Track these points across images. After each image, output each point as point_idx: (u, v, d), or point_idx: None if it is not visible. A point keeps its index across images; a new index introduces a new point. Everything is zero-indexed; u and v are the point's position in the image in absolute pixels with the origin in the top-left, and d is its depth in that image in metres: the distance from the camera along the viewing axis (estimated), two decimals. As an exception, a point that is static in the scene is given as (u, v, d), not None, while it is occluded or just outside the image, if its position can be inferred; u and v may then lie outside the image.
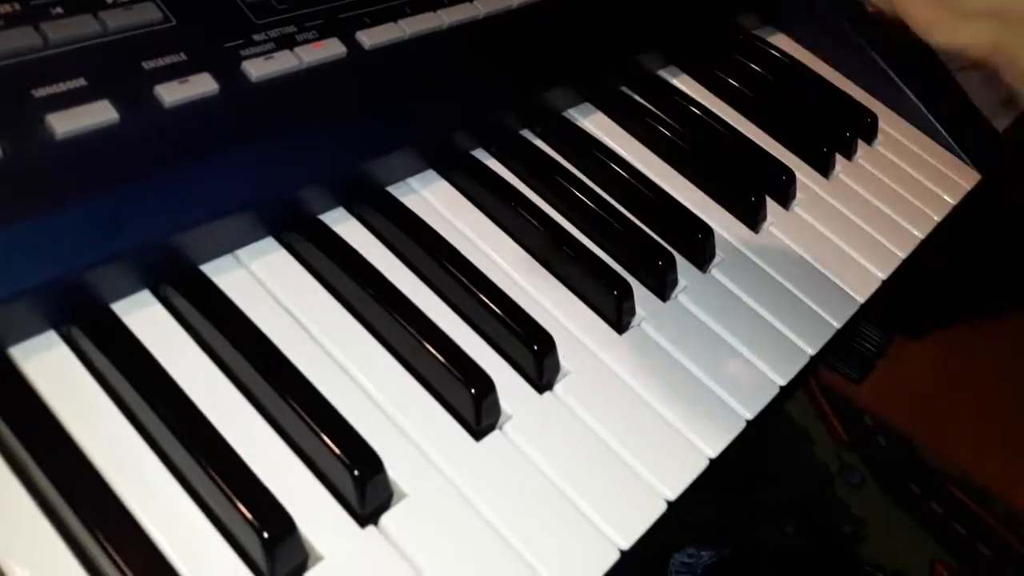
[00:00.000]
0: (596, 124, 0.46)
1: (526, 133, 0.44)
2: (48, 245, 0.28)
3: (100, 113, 0.30)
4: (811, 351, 0.40)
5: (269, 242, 0.34)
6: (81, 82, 0.30)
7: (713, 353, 0.38)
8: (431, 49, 0.38)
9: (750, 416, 0.37)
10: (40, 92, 0.30)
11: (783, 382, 0.38)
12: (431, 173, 0.40)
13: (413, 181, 0.39)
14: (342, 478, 0.28)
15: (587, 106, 0.46)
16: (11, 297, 0.27)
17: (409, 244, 0.36)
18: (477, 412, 0.31)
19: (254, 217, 0.33)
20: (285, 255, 0.34)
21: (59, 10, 0.31)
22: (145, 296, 0.31)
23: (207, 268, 0.32)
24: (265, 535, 0.25)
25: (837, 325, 0.42)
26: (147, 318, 0.30)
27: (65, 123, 0.29)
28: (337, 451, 0.28)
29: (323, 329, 0.33)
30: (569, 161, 0.43)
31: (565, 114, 0.46)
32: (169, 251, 0.31)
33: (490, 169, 0.41)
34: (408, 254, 0.36)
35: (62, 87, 0.30)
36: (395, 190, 0.38)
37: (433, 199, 0.39)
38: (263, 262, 0.33)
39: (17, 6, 0.31)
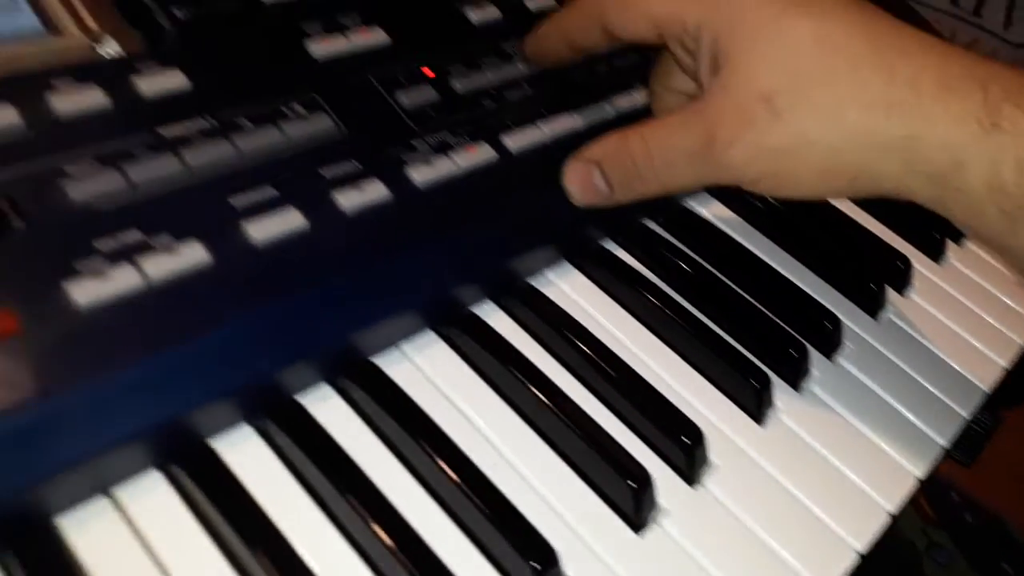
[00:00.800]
0: (715, 213, 0.48)
1: (649, 223, 0.45)
2: (250, 346, 0.30)
3: (291, 220, 0.32)
4: (943, 442, 0.41)
5: (429, 335, 0.36)
6: (271, 191, 0.33)
7: (849, 444, 0.39)
8: (570, 149, 0.41)
9: (893, 509, 0.37)
10: (237, 201, 0.32)
11: (920, 474, 0.39)
12: (566, 265, 0.42)
13: (550, 273, 0.41)
14: (519, 570, 0.29)
15: (705, 196, 0.48)
16: (219, 396, 0.29)
17: (554, 335, 0.38)
18: (637, 506, 0.32)
19: (418, 313, 0.35)
20: (444, 347, 0.36)
21: (247, 124, 0.34)
22: (326, 389, 0.33)
23: (378, 360, 0.34)
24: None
25: (966, 415, 0.43)
26: (329, 408, 0.32)
27: (262, 230, 0.32)
28: (514, 544, 0.29)
29: (483, 418, 0.34)
30: (693, 250, 0.45)
31: (684, 204, 0.47)
32: (348, 347, 0.33)
33: (620, 259, 0.42)
34: (553, 344, 0.38)
35: (256, 196, 0.33)
36: (535, 282, 0.40)
37: (570, 290, 0.41)
38: (426, 355, 0.35)
39: (213, 122, 0.34)
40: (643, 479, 0.33)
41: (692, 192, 0.47)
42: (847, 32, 0.34)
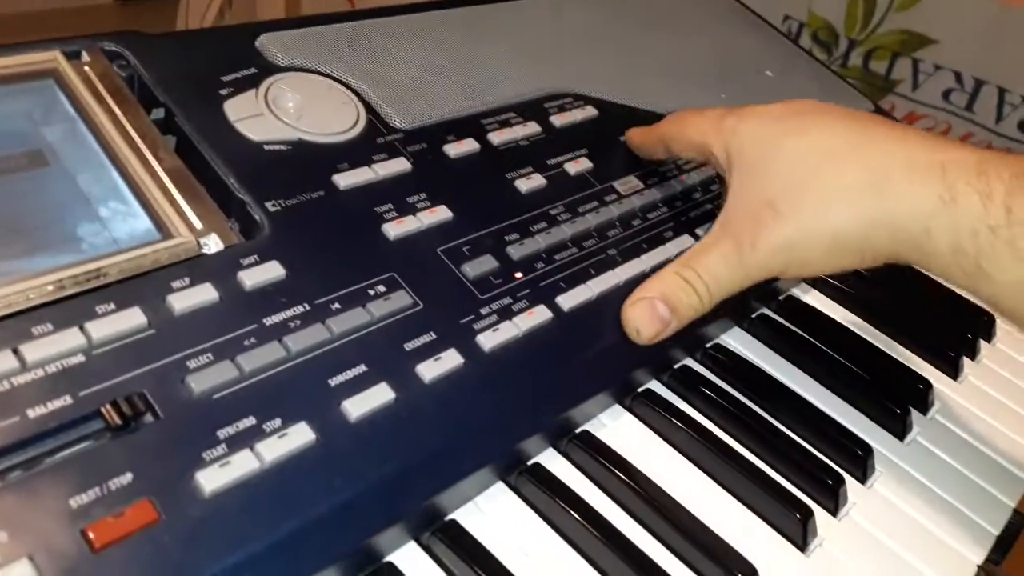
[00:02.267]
0: (746, 346, 0.52)
1: (688, 361, 0.49)
2: (352, 514, 0.34)
3: (382, 395, 0.36)
4: (976, 559, 0.44)
5: (499, 486, 0.40)
6: (362, 368, 0.37)
7: (890, 567, 0.42)
8: (614, 302, 0.45)
9: (938, 630, 0.40)
10: (334, 381, 0.36)
11: (960, 598, 0.42)
12: (617, 408, 0.45)
13: (604, 417, 0.45)
14: None
15: (738, 331, 0.52)
16: (328, 563, 0.33)
17: (610, 478, 0.41)
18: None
19: (490, 468, 0.39)
20: (514, 497, 0.40)
21: (337, 306, 0.39)
22: (413, 546, 0.36)
23: (456, 515, 0.38)
24: None
25: (994, 531, 0.46)
26: (417, 564, 0.36)
27: (358, 407, 0.36)
28: None
29: (553, 563, 0.38)
30: (729, 383, 0.49)
31: (719, 341, 0.51)
32: (431, 506, 0.37)
33: (664, 399, 0.46)
34: (609, 487, 0.41)
35: (349, 374, 0.37)
36: (591, 426, 0.44)
37: (623, 432, 0.44)
38: (498, 506, 0.39)
39: (306, 307, 0.38)
40: None
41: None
42: (831, 137, 0.42)
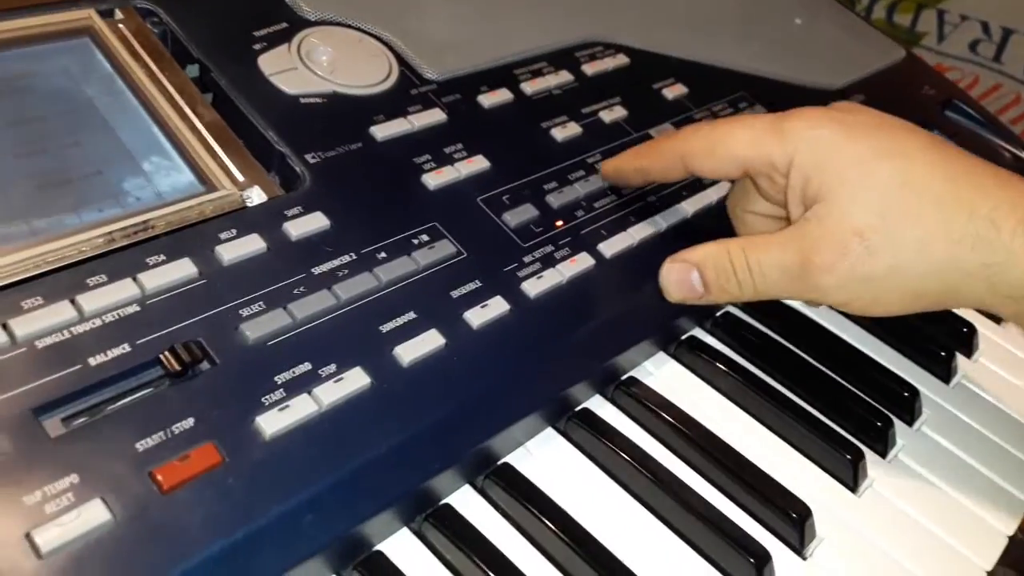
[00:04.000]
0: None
1: (733, 309, 0.49)
2: (408, 457, 0.34)
3: (432, 341, 0.36)
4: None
5: (549, 432, 0.40)
6: (411, 315, 0.37)
7: (939, 507, 0.42)
8: (657, 250, 0.45)
9: (988, 567, 0.40)
10: (384, 327, 0.36)
11: (1008, 532, 0.42)
12: (662, 355, 0.45)
13: (648, 364, 0.45)
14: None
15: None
16: (385, 506, 0.33)
17: (659, 423, 0.41)
18: (761, 582, 0.35)
19: (540, 413, 0.39)
20: (563, 442, 0.40)
21: (383, 255, 0.39)
22: (467, 489, 0.37)
23: (509, 459, 0.38)
24: None
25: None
26: (472, 506, 0.36)
27: (410, 352, 0.36)
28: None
29: (605, 505, 0.38)
30: (775, 331, 0.48)
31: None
32: (484, 450, 0.37)
33: (711, 346, 0.46)
34: (658, 432, 0.41)
35: (399, 321, 0.37)
36: (637, 373, 0.44)
37: (669, 379, 0.44)
38: (548, 450, 0.39)
39: (353, 256, 0.38)
40: (764, 556, 0.36)
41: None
42: (930, 173, 0.38)
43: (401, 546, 0.34)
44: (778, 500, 0.39)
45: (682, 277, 0.42)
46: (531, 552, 0.35)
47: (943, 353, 0.49)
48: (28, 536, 0.27)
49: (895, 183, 0.38)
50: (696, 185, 0.50)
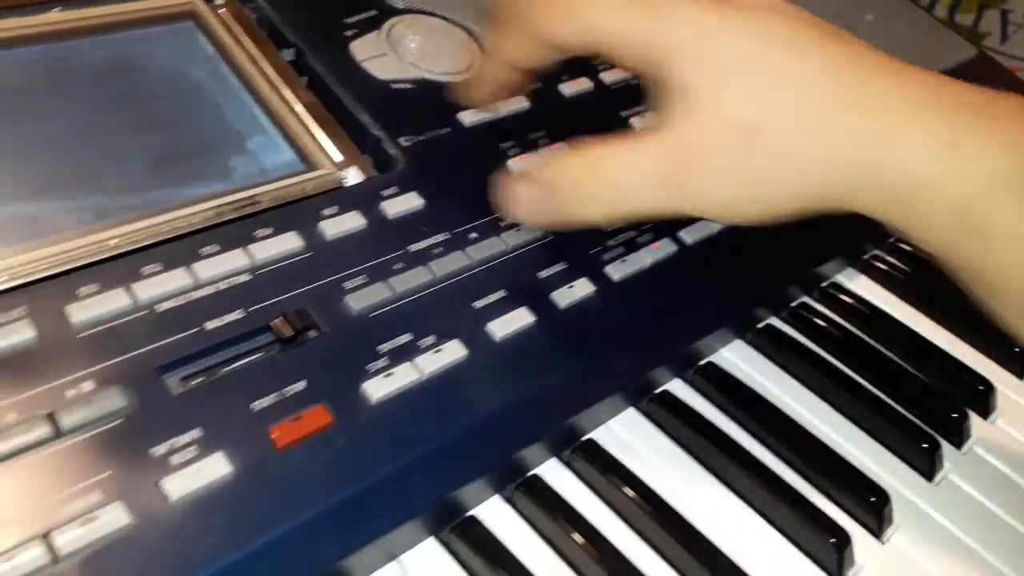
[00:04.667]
0: (861, 287, 0.52)
1: (806, 298, 0.49)
2: (503, 428, 0.35)
3: (522, 318, 0.38)
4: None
5: (631, 412, 0.41)
6: (502, 293, 0.38)
7: (1016, 499, 0.42)
8: (734, 237, 0.45)
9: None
10: (477, 304, 0.38)
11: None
12: (739, 343, 0.46)
13: (725, 351, 0.45)
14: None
15: (851, 271, 0.52)
16: (481, 473, 0.34)
17: (736, 408, 0.42)
18: (839, 564, 0.36)
19: (623, 394, 0.40)
20: (646, 422, 0.41)
21: (475, 235, 0.40)
22: (554, 462, 0.38)
23: (593, 435, 0.39)
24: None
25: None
26: (561, 479, 0.37)
27: (502, 328, 0.37)
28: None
29: (688, 485, 0.39)
30: (849, 322, 0.49)
31: (835, 279, 0.51)
32: (573, 426, 0.38)
33: (785, 334, 0.47)
34: (737, 416, 0.42)
35: (491, 298, 0.38)
36: (715, 359, 0.44)
37: (745, 365, 0.45)
38: (631, 430, 0.40)
39: (447, 235, 0.40)
40: (844, 537, 0.36)
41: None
42: (822, 66, 0.34)
43: (493, 512, 0.35)
44: (858, 486, 0.39)
45: (531, 196, 0.37)
46: (617, 523, 0.36)
47: (1018, 349, 0.49)
48: (157, 484, 0.29)
49: (781, 74, 0.33)
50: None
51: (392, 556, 0.33)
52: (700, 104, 0.33)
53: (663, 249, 0.44)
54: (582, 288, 0.40)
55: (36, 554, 0.26)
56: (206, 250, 0.35)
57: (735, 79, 0.33)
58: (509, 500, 0.36)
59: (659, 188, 0.34)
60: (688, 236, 0.45)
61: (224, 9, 0.45)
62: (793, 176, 0.33)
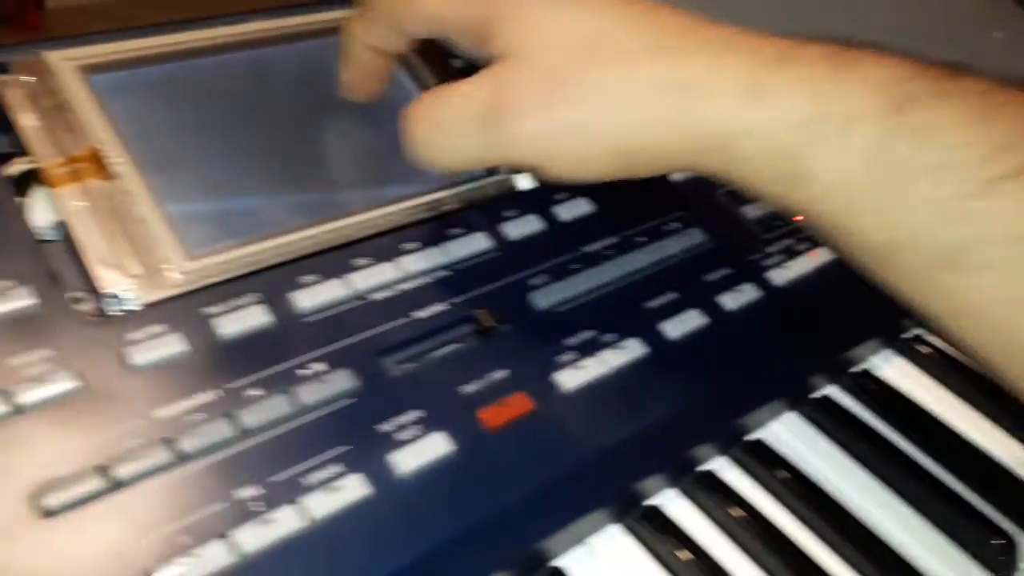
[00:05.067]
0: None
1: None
2: (682, 424, 0.37)
3: (694, 319, 0.40)
4: None
5: (792, 415, 0.42)
6: (673, 295, 0.40)
7: None
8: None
9: None
10: (649, 304, 0.40)
11: None
12: (888, 351, 0.47)
13: (875, 359, 0.46)
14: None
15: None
16: (660, 469, 0.36)
17: (896, 418, 0.43)
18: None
19: (785, 400, 0.42)
20: (806, 424, 0.42)
21: (642, 239, 0.42)
22: (724, 460, 0.39)
23: (758, 434, 0.40)
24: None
25: None
26: (728, 472, 0.39)
27: (676, 328, 0.39)
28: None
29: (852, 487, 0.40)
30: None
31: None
32: (742, 426, 0.40)
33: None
34: (897, 426, 0.42)
35: (662, 299, 0.40)
36: (868, 366, 0.45)
37: (902, 376, 0.45)
38: (793, 431, 0.41)
39: (615, 239, 0.42)
40: (1010, 541, 0.37)
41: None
42: (624, 20, 0.34)
43: (674, 502, 0.37)
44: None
45: (404, 139, 0.37)
46: (786, 516, 0.38)
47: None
48: (389, 459, 0.31)
49: (593, 28, 0.34)
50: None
51: (580, 539, 0.35)
52: (517, 55, 0.34)
53: (821, 257, 0.45)
54: (748, 292, 0.42)
55: (291, 516, 0.29)
56: (408, 246, 0.38)
57: (545, 34, 0.34)
58: (686, 492, 0.38)
59: (480, 126, 0.34)
60: (840, 247, 0.46)
61: (400, 23, 0.48)
62: (600, 126, 0.33)
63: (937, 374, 0.46)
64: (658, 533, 0.35)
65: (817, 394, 0.43)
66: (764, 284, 0.43)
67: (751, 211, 0.46)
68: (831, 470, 0.40)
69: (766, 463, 0.39)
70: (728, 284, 0.42)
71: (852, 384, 0.44)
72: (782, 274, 0.43)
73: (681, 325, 0.39)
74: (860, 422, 0.42)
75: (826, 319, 0.44)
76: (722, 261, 0.43)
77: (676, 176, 0.46)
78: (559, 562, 0.34)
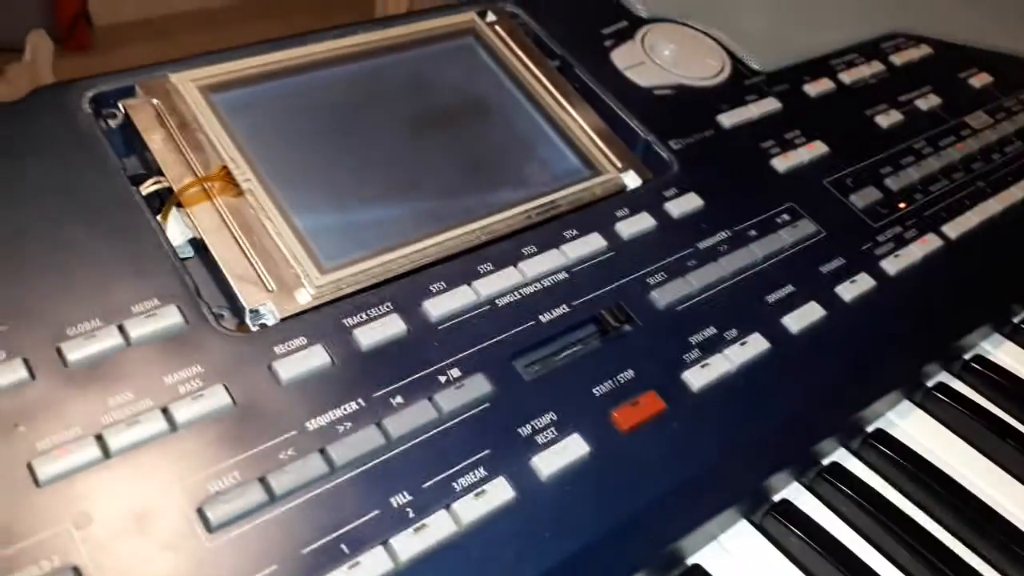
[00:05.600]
0: None
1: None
2: (812, 414, 0.37)
3: (813, 312, 0.39)
4: None
5: (908, 405, 0.42)
6: (790, 288, 0.40)
7: None
8: (994, 231, 0.46)
9: None
10: (769, 298, 0.40)
11: None
12: (997, 336, 0.46)
13: (986, 343, 0.46)
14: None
15: None
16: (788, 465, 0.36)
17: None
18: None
19: (902, 390, 0.41)
20: (923, 414, 0.42)
21: (753, 232, 0.42)
22: (843, 452, 0.39)
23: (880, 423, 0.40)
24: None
25: None
26: (854, 465, 0.39)
27: (797, 322, 0.39)
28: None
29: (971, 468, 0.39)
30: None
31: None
32: (860, 419, 0.39)
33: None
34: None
35: (780, 293, 0.40)
36: (980, 351, 0.45)
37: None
38: (915, 418, 0.41)
39: (728, 233, 0.41)
40: None
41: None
42: None
43: (799, 497, 0.37)
44: None
45: None
46: (911, 505, 0.38)
47: None
48: (530, 462, 0.32)
49: None
50: (1020, 172, 0.51)
51: (714, 536, 0.35)
52: None
53: (930, 244, 0.44)
54: (863, 282, 0.41)
55: (445, 520, 0.30)
56: (527, 250, 0.38)
57: None
58: (809, 487, 0.38)
59: None
60: (951, 231, 0.46)
61: (498, 26, 0.48)
62: None
63: (1052, 357, 0.45)
64: (787, 527, 0.35)
65: (931, 382, 0.43)
66: (878, 273, 0.42)
67: (859, 200, 0.45)
68: (951, 456, 0.40)
69: (888, 453, 0.39)
70: (843, 275, 0.41)
71: (966, 370, 0.44)
72: (895, 263, 0.43)
73: (801, 318, 0.39)
74: (977, 406, 0.42)
75: (939, 307, 0.43)
76: (835, 252, 0.43)
77: (779, 167, 0.46)
78: (695, 559, 0.34)
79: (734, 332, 0.38)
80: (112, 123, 0.38)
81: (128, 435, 0.29)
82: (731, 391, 0.36)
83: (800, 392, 0.37)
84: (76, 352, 0.30)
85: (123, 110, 0.38)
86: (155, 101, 0.39)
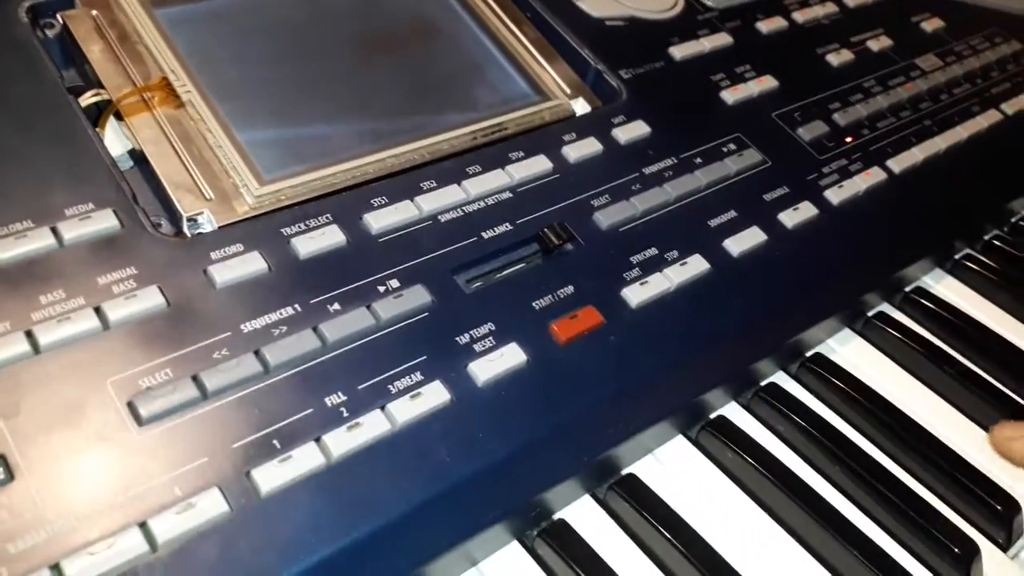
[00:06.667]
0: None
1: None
2: (751, 337, 0.37)
3: (755, 236, 0.40)
4: None
5: (847, 333, 0.43)
6: (733, 213, 0.41)
7: None
8: (938, 167, 0.46)
9: None
10: (711, 223, 0.40)
11: None
12: (939, 271, 0.47)
13: (928, 279, 0.47)
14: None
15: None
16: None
17: (946, 333, 0.43)
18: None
19: (839, 316, 0.42)
20: (862, 342, 0.43)
21: (699, 160, 0.42)
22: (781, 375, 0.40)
23: (821, 348, 0.41)
24: None
25: None
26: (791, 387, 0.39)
27: (738, 245, 0.39)
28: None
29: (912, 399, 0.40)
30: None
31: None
32: (799, 342, 0.40)
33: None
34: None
35: (723, 218, 0.40)
36: (922, 284, 0.46)
37: (956, 293, 0.46)
38: (850, 348, 0.42)
39: (674, 160, 0.42)
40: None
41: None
42: None
43: (736, 415, 0.38)
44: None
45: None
46: (845, 425, 0.39)
47: None
48: (467, 368, 0.32)
49: None
50: (965, 113, 0.52)
51: (649, 449, 0.36)
52: None
53: (874, 177, 0.45)
54: (806, 210, 0.42)
55: (379, 420, 0.30)
56: (471, 169, 0.38)
57: None
58: (747, 407, 0.38)
59: None
60: (896, 166, 0.46)
61: (450, -47, 0.48)
62: None
63: (986, 291, 0.46)
64: (722, 442, 0.36)
65: (872, 312, 0.44)
66: (821, 203, 0.43)
67: (806, 133, 0.46)
68: (888, 382, 0.41)
69: (826, 375, 0.40)
70: (786, 202, 0.42)
71: (906, 301, 0.45)
72: (838, 193, 0.43)
73: (742, 242, 0.39)
74: (916, 335, 0.43)
75: (880, 238, 0.44)
76: (779, 181, 0.43)
77: (728, 99, 0.46)
78: (630, 469, 0.35)
79: (675, 253, 0.38)
80: (50, 33, 0.37)
81: (59, 331, 0.29)
82: (669, 309, 0.36)
83: (738, 312, 0.38)
84: (6, 251, 0.30)
85: (61, 20, 0.38)
86: (94, 12, 0.38)
